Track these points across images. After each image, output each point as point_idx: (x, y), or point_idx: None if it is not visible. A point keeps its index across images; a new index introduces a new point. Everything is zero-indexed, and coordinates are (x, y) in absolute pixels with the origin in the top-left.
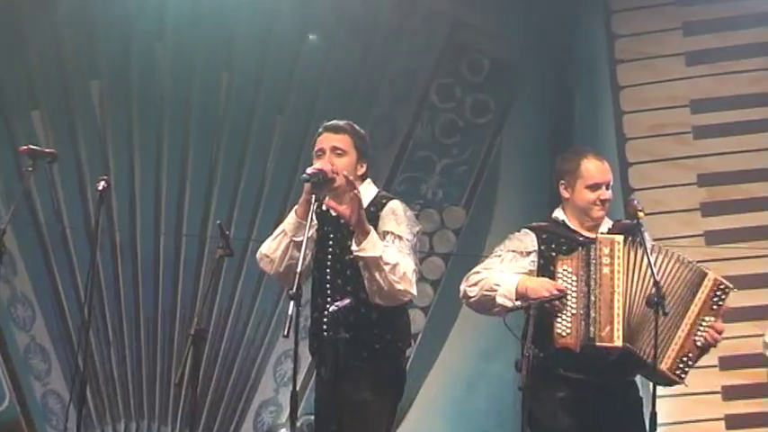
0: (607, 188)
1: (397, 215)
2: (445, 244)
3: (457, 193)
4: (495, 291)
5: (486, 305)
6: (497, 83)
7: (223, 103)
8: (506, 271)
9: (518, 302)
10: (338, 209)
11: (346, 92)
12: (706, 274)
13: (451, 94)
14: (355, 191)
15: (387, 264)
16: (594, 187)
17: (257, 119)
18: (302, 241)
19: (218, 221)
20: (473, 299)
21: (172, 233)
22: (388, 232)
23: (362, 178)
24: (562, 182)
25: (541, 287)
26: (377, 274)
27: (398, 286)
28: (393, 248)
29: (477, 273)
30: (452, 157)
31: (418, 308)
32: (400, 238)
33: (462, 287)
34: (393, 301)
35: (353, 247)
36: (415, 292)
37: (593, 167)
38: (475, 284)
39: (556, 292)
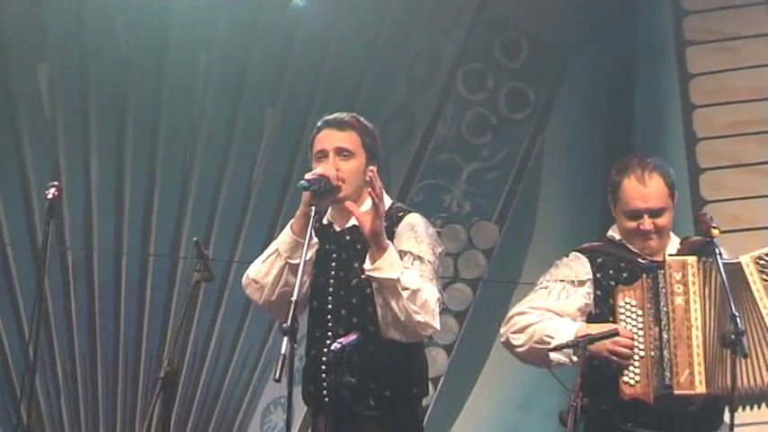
0: (658, 215)
1: (416, 232)
2: (473, 268)
3: (488, 206)
4: (548, 344)
5: (537, 359)
6: (539, 69)
7: (200, 92)
8: (558, 308)
9: (575, 358)
10: (356, 214)
11: (352, 80)
12: (739, 262)
13: (482, 82)
14: (376, 185)
15: (406, 289)
16: (632, 215)
17: (242, 112)
18: (299, 264)
19: (195, 238)
20: (519, 349)
21: (137, 252)
22: (406, 252)
23: None
24: (610, 197)
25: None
26: (393, 302)
27: (418, 317)
28: (414, 272)
29: (522, 314)
30: (483, 160)
31: (440, 346)
32: (421, 259)
33: (503, 332)
34: (411, 335)
35: (366, 266)
36: (438, 325)
37: (632, 191)
38: (520, 331)
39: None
